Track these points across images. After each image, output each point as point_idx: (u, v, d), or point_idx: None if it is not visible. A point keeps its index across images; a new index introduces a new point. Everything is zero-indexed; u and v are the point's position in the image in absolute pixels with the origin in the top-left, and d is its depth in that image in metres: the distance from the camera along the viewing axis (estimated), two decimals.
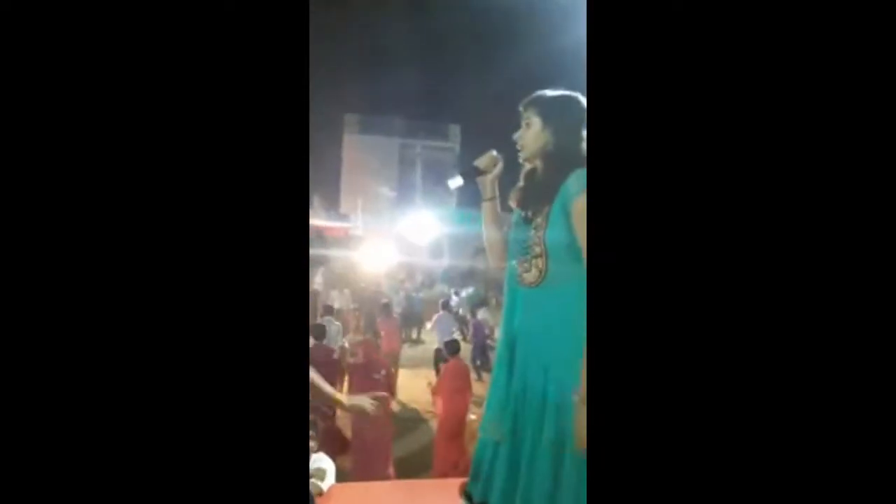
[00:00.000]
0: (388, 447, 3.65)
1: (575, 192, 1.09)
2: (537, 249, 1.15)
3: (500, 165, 1.29)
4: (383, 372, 4.01)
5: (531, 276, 1.16)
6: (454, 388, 3.97)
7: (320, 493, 2.00)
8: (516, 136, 1.22)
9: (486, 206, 1.30)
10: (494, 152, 1.28)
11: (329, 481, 2.09)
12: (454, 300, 10.56)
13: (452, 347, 4.45)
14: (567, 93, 1.20)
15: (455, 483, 1.38)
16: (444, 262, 15.63)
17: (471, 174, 1.27)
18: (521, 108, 1.21)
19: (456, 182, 1.26)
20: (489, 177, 1.29)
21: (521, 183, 1.27)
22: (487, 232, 1.31)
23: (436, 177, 18.74)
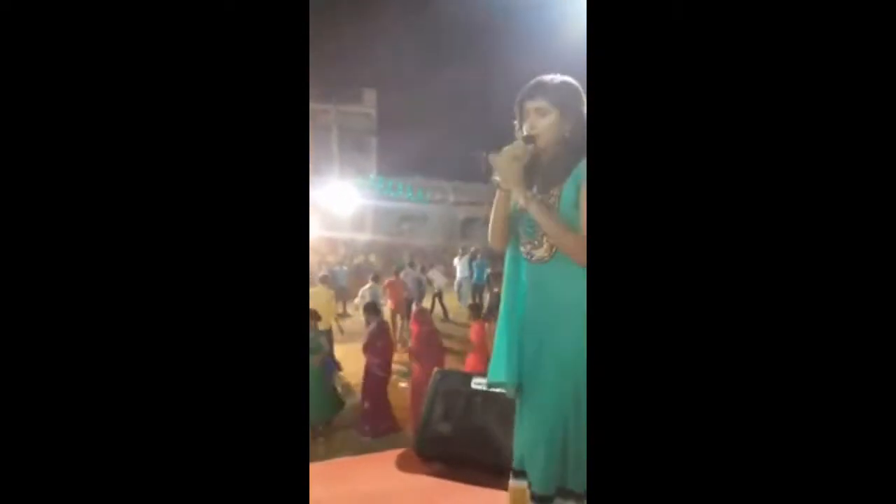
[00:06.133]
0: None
1: (585, 174, 1.18)
2: None
3: (528, 155, 1.28)
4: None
5: (542, 251, 1.26)
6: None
7: None
8: (526, 126, 1.26)
9: (500, 193, 1.34)
10: (522, 142, 1.28)
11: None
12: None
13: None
14: (567, 79, 1.27)
15: None
16: (367, 233, 15.30)
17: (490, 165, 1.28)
18: (524, 99, 1.26)
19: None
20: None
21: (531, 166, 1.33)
22: (496, 217, 1.36)
23: (352, 143, 18.19)
